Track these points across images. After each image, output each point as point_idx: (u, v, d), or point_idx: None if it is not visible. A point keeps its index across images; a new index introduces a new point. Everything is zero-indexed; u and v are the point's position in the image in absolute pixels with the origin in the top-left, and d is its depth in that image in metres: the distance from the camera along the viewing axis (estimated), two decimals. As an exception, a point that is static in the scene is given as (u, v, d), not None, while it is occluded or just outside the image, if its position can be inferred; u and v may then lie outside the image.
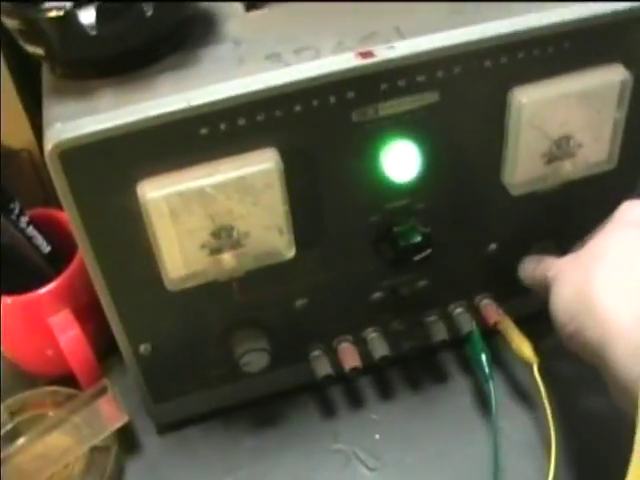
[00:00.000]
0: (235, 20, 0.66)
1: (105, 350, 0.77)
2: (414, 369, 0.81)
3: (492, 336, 0.76)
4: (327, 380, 0.74)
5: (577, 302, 0.59)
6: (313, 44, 0.61)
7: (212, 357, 0.72)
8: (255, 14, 0.66)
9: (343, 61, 0.58)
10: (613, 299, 0.57)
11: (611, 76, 0.64)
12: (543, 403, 0.69)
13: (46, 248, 0.80)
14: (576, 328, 0.59)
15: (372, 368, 0.77)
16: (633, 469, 0.51)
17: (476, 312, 0.78)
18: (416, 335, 0.76)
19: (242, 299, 0.68)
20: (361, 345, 0.75)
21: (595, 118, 0.65)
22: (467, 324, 0.76)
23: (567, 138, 0.66)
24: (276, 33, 0.63)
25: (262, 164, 0.58)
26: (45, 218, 0.81)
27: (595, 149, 0.67)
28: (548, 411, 0.69)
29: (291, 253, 0.63)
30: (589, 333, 0.58)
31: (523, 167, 0.66)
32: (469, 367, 0.79)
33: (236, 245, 0.61)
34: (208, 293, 0.66)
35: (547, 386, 0.69)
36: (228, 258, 0.61)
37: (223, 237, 0.60)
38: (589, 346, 0.58)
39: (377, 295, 0.73)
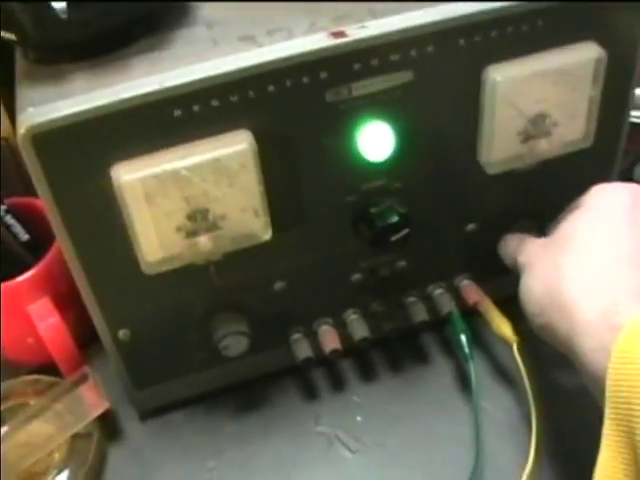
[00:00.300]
0: (208, 2, 0.66)
1: (87, 338, 0.77)
2: (395, 351, 0.81)
3: (472, 316, 0.76)
4: (308, 363, 0.74)
5: (546, 296, 0.60)
6: (286, 25, 0.61)
7: (192, 342, 0.72)
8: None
9: (315, 41, 0.58)
10: (580, 293, 0.57)
11: (585, 54, 0.64)
12: (524, 382, 0.69)
13: (24, 236, 0.79)
14: (546, 320, 0.60)
15: (353, 350, 0.77)
16: (602, 460, 0.52)
17: (456, 293, 0.77)
18: (396, 316, 0.76)
19: (220, 282, 0.68)
20: (341, 327, 0.75)
21: (570, 96, 0.65)
22: (447, 305, 0.76)
23: (542, 116, 0.66)
24: (249, 15, 0.63)
25: (236, 145, 0.58)
26: (24, 206, 0.81)
27: (571, 127, 0.67)
28: (529, 390, 0.69)
29: (268, 235, 0.63)
30: (558, 326, 0.59)
31: (499, 146, 0.66)
32: (450, 348, 0.80)
33: (212, 228, 0.61)
34: (185, 277, 0.65)
35: (527, 365, 0.69)
36: (204, 241, 0.61)
37: (199, 220, 0.60)
38: (559, 337, 0.59)
39: (356, 277, 0.73)
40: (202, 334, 0.70)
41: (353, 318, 0.75)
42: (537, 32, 0.63)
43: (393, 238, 0.67)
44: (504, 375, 0.77)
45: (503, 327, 0.72)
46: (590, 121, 0.68)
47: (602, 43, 0.64)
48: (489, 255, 0.73)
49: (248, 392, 0.79)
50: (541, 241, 0.65)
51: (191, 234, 0.61)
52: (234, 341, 0.69)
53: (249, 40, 0.60)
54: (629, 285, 0.56)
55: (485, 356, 0.79)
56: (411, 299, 0.77)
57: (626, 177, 0.87)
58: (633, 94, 0.72)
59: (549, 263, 0.61)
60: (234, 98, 0.58)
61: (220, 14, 0.64)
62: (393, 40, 0.59)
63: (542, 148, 0.67)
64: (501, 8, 0.61)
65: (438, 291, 0.77)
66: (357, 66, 0.59)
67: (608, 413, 0.51)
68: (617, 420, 0.50)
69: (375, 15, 0.60)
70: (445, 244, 0.75)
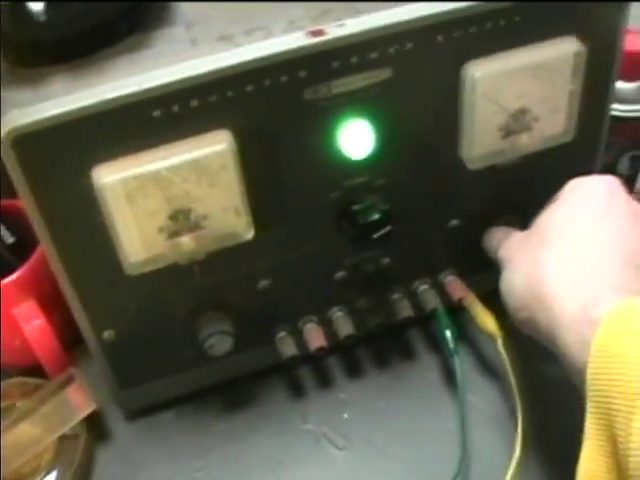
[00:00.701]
0: (187, 2, 0.66)
1: (73, 339, 0.77)
2: (381, 347, 0.81)
3: (458, 311, 0.77)
4: (293, 361, 0.74)
5: (527, 290, 0.61)
6: (265, 24, 0.61)
7: (177, 341, 0.72)
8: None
9: (294, 40, 0.58)
10: (560, 287, 0.58)
11: (564, 48, 0.64)
12: (509, 376, 0.69)
13: (9, 239, 0.80)
14: (528, 315, 0.60)
15: (339, 347, 0.78)
16: (584, 453, 0.52)
17: (441, 288, 0.78)
18: (381, 313, 0.76)
19: (204, 282, 0.68)
20: (327, 324, 0.75)
21: (550, 91, 0.66)
22: (432, 300, 0.76)
23: (523, 111, 0.66)
24: (228, 14, 0.63)
25: (216, 145, 0.58)
26: (10, 209, 0.81)
27: (552, 122, 0.68)
28: (514, 384, 0.69)
29: (250, 234, 0.63)
30: (539, 320, 0.59)
31: (480, 141, 0.66)
32: (436, 343, 0.79)
33: (194, 227, 0.61)
34: (169, 277, 0.65)
35: (512, 358, 0.70)
36: (187, 241, 0.61)
37: (181, 220, 0.60)
38: (540, 331, 0.59)
39: (340, 274, 0.73)
40: (187, 334, 0.70)
41: (338, 315, 0.75)
42: (516, 27, 0.63)
43: (376, 235, 0.67)
44: (490, 369, 0.78)
45: (487, 322, 0.72)
46: (571, 115, 0.68)
47: (581, 37, 0.65)
48: (473, 250, 0.74)
49: (235, 391, 0.79)
50: (521, 235, 0.66)
51: (173, 234, 0.61)
52: (219, 340, 0.69)
53: (228, 40, 0.60)
54: (607, 277, 0.56)
55: (471, 350, 0.79)
56: (396, 295, 0.77)
57: (610, 170, 0.87)
58: (613, 87, 0.72)
59: (529, 257, 0.62)
60: (213, 98, 0.58)
61: (199, 13, 0.64)
62: (372, 38, 0.59)
63: (523, 143, 0.68)
64: (479, 4, 0.61)
65: (423, 287, 0.78)
66: (336, 64, 0.59)
67: (589, 406, 0.51)
68: (598, 414, 0.51)
69: (354, 13, 0.60)
70: (429, 240, 0.75)
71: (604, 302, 0.54)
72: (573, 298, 0.56)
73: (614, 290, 0.55)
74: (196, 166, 0.58)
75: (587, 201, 0.62)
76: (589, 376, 0.51)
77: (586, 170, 0.71)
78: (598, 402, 0.51)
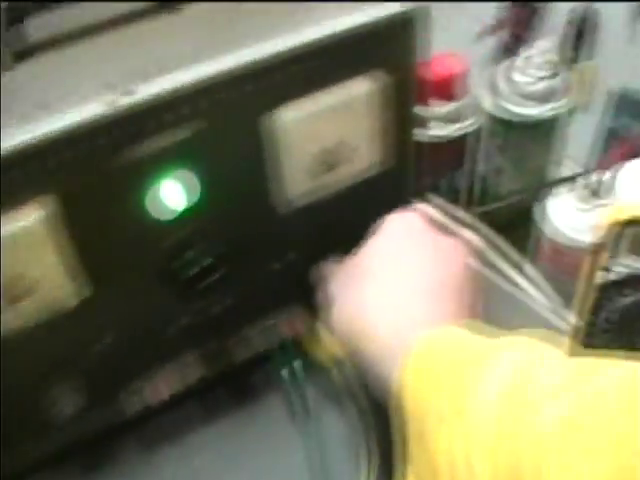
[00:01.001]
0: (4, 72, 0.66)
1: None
2: (230, 389, 0.82)
3: (302, 345, 0.79)
4: (143, 413, 0.75)
5: (349, 325, 0.64)
6: (79, 89, 0.61)
7: (29, 407, 0.71)
8: (24, 65, 0.66)
9: (103, 105, 0.59)
10: (377, 322, 0.61)
11: (367, 85, 0.68)
12: (354, 401, 0.72)
13: None
14: (352, 348, 0.64)
15: (191, 393, 0.78)
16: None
17: (283, 325, 0.79)
18: (226, 355, 0.78)
19: (41, 348, 0.68)
20: (174, 373, 0.76)
21: (357, 126, 0.69)
22: (274, 338, 0.79)
23: (335, 148, 0.69)
24: (44, 82, 0.63)
25: (30, 217, 0.59)
26: None
27: (364, 154, 0.71)
28: (359, 408, 0.72)
29: (81, 297, 0.64)
30: (362, 353, 0.62)
31: (299, 180, 0.69)
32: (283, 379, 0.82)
33: (17, 299, 0.61)
34: (6, 345, 0.65)
35: (356, 384, 0.72)
36: (19, 309, 0.61)
37: (14, 287, 0.60)
38: (365, 365, 0.62)
39: (181, 323, 0.74)
40: (35, 399, 0.70)
41: (185, 361, 0.76)
42: (318, 72, 0.66)
43: (201, 285, 0.69)
44: (339, 397, 0.79)
45: (323, 353, 0.74)
46: (380, 146, 0.72)
47: (376, 74, 0.68)
48: (310, 285, 0.76)
49: (93, 452, 0.78)
50: (344, 270, 0.68)
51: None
52: (64, 404, 0.69)
53: (43, 107, 0.59)
54: (416, 310, 0.61)
55: (320, 382, 0.80)
56: (240, 336, 0.78)
57: (432, 191, 0.91)
58: (415, 114, 0.74)
59: (350, 292, 0.65)
60: (35, 166, 0.58)
61: (16, 82, 0.64)
62: (181, 94, 0.60)
63: (339, 178, 0.71)
64: (282, 52, 0.63)
65: (265, 325, 0.79)
66: (149, 123, 0.60)
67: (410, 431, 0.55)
68: (416, 438, 0.54)
69: (163, 70, 0.61)
70: (265, 280, 0.76)
71: (413, 335, 0.57)
72: (388, 331, 0.60)
73: (423, 322, 0.59)
74: (20, 236, 0.58)
75: (400, 236, 0.66)
76: (405, 405, 0.55)
77: (404, 195, 0.74)
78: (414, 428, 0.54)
